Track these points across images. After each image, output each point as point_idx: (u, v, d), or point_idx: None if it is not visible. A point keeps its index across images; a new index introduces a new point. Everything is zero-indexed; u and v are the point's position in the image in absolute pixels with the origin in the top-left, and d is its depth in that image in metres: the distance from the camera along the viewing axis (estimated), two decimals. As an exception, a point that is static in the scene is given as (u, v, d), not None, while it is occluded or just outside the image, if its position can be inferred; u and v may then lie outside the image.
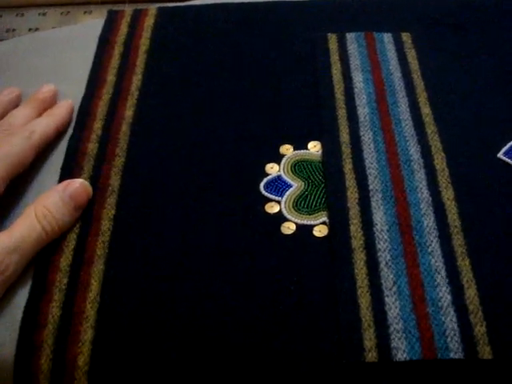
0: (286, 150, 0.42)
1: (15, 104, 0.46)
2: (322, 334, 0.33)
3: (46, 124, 0.43)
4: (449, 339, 0.32)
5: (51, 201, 0.37)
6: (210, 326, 0.33)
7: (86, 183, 0.39)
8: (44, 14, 0.66)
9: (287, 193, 0.39)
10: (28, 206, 0.37)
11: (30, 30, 0.66)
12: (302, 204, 0.38)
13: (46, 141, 0.42)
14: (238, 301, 0.34)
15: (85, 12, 0.66)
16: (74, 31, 0.56)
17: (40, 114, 0.45)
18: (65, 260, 0.37)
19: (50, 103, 0.46)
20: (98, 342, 0.33)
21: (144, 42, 0.51)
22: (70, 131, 0.45)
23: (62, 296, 0.35)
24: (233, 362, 0.32)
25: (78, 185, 0.38)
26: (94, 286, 0.36)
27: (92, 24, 0.56)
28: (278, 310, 0.34)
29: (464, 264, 0.35)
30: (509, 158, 0.40)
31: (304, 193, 0.39)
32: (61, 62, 0.52)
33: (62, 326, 0.34)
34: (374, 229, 0.37)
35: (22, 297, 0.35)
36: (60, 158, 0.43)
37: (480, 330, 0.32)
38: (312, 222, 0.37)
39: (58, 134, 0.44)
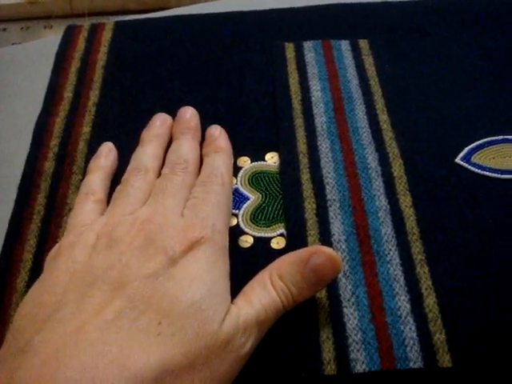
0: (244, 162, 0.41)
1: (169, 133, 0.43)
2: (280, 347, 0.32)
3: (224, 163, 0.39)
4: (408, 348, 0.31)
5: (288, 272, 0.32)
6: None
7: (335, 255, 0.32)
8: (4, 30, 0.66)
9: (244, 206, 0.39)
10: (262, 272, 0.33)
11: (-10, 46, 0.66)
12: (259, 216, 0.38)
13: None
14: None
15: (45, 27, 0.66)
16: (32, 48, 0.56)
17: (199, 143, 0.42)
18: (21, 281, 0.36)
19: (199, 128, 0.44)
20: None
21: (101, 57, 0.50)
22: (25, 150, 0.44)
23: (18, 319, 0.35)
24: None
25: (324, 258, 0.32)
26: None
27: (51, 40, 0.55)
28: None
29: (423, 272, 0.35)
30: (466, 162, 0.40)
31: (261, 205, 0.39)
32: (19, 78, 0.52)
33: None
34: (332, 239, 0.36)
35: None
36: (17, 175, 0.43)
37: (439, 338, 0.32)
38: (270, 235, 0.37)
39: None
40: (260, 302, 0.31)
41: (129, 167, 0.40)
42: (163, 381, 0.27)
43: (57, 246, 0.35)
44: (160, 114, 0.44)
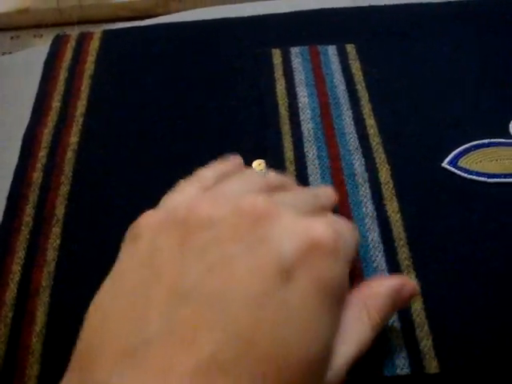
0: (231, 169, 0.41)
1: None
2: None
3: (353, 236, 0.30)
4: (395, 355, 0.31)
5: (385, 305, 0.28)
6: None
7: (417, 288, 0.30)
8: (-6, 39, 0.66)
9: (231, 214, 0.39)
10: (356, 306, 0.28)
11: (-20, 56, 0.66)
12: (246, 225, 0.38)
13: None
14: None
15: (35, 36, 0.66)
16: (22, 57, 0.56)
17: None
18: (10, 293, 0.36)
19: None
20: (43, 377, 0.33)
21: (89, 67, 0.50)
22: (15, 160, 0.44)
23: (7, 330, 0.35)
24: None
25: (412, 290, 0.29)
26: (40, 318, 0.35)
27: (40, 50, 0.55)
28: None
29: (410, 277, 0.35)
30: (453, 167, 0.40)
31: (248, 213, 0.39)
32: (9, 88, 0.52)
33: (7, 361, 0.33)
34: (319, 246, 0.36)
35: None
36: (6, 186, 0.43)
37: (426, 343, 0.32)
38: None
39: None
40: (358, 340, 0.27)
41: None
42: None
43: (140, 220, 0.28)
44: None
